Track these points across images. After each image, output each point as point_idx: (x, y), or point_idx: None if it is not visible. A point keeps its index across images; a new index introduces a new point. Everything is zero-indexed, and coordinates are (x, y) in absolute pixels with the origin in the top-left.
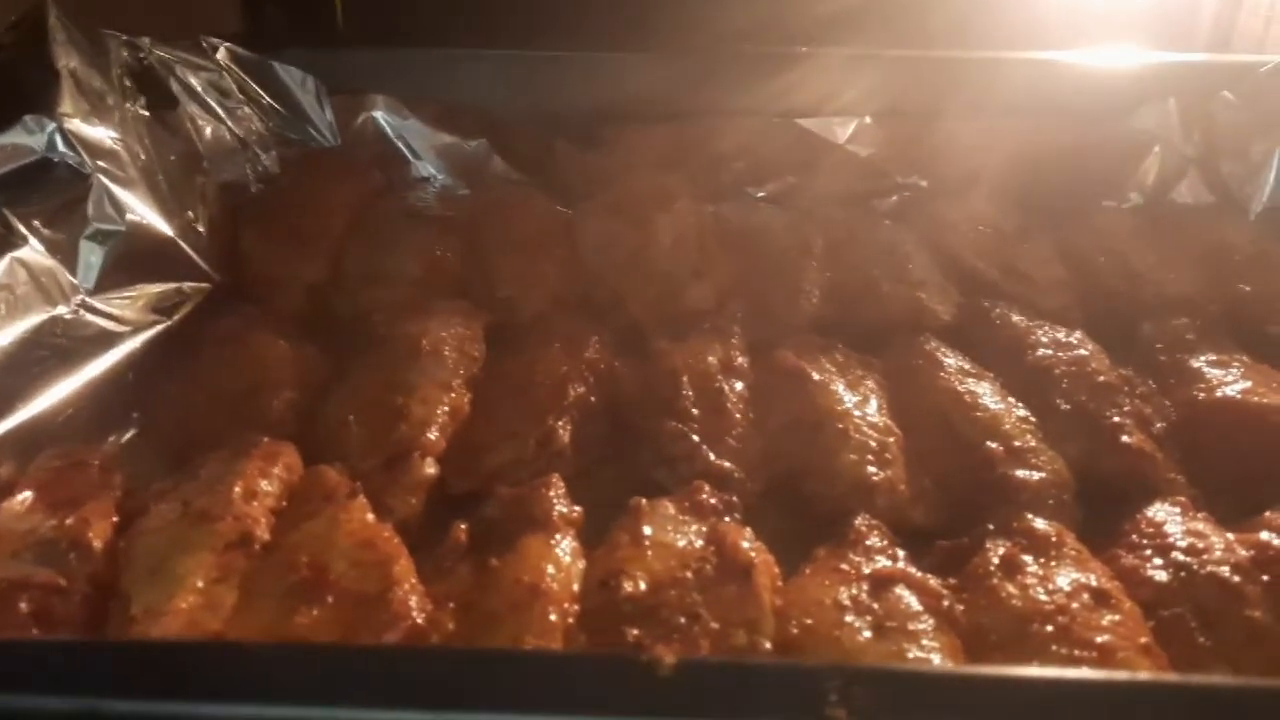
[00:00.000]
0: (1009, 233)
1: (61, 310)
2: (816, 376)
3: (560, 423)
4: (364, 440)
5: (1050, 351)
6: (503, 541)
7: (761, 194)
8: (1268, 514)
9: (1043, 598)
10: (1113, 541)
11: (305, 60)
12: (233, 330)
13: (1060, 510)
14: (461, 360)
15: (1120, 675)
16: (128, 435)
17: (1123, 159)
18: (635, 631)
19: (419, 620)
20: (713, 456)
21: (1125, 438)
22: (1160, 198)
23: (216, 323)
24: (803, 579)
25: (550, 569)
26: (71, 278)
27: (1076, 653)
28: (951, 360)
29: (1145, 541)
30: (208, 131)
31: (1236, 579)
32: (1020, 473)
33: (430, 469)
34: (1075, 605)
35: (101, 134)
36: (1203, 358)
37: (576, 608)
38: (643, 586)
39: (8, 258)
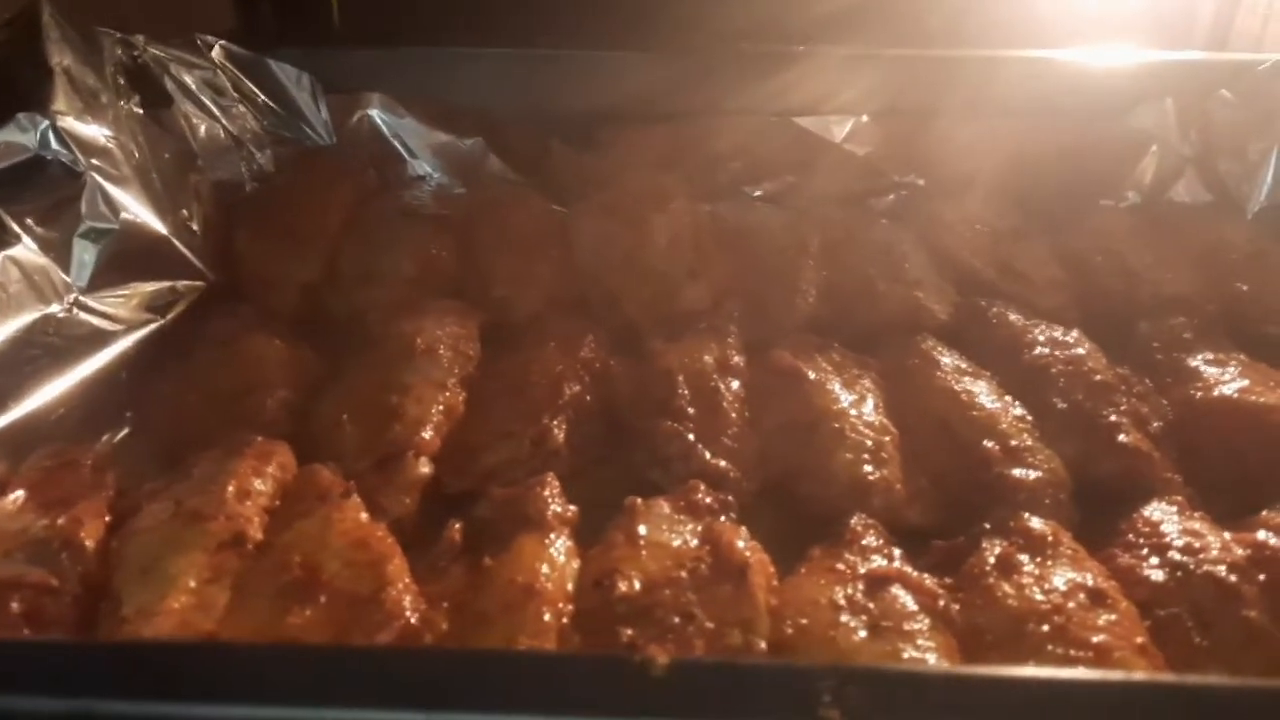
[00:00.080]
0: (1006, 232)
1: (54, 309)
2: (812, 376)
3: (555, 422)
4: (358, 440)
5: (1047, 351)
6: (497, 541)
7: (758, 193)
8: (1264, 513)
9: (1039, 597)
10: (1109, 541)
11: (300, 59)
12: (227, 329)
13: (1057, 509)
14: (456, 359)
15: (1116, 675)
16: (121, 435)
17: (1120, 158)
18: (629, 631)
19: (412, 620)
20: (708, 456)
21: (1122, 437)
22: (1158, 197)
23: (210, 322)
24: (798, 579)
25: (544, 569)
26: (65, 276)
27: (1072, 652)
28: (948, 359)
29: (1142, 541)
30: (202, 130)
31: (1233, 578)
32: (1017, 472)
33: (425, 468)
34: (1071, 605)
35: (95, 132)
36: (1200, 357)
37: (571, 608)
38: (637, 586)
39: (0, 256)
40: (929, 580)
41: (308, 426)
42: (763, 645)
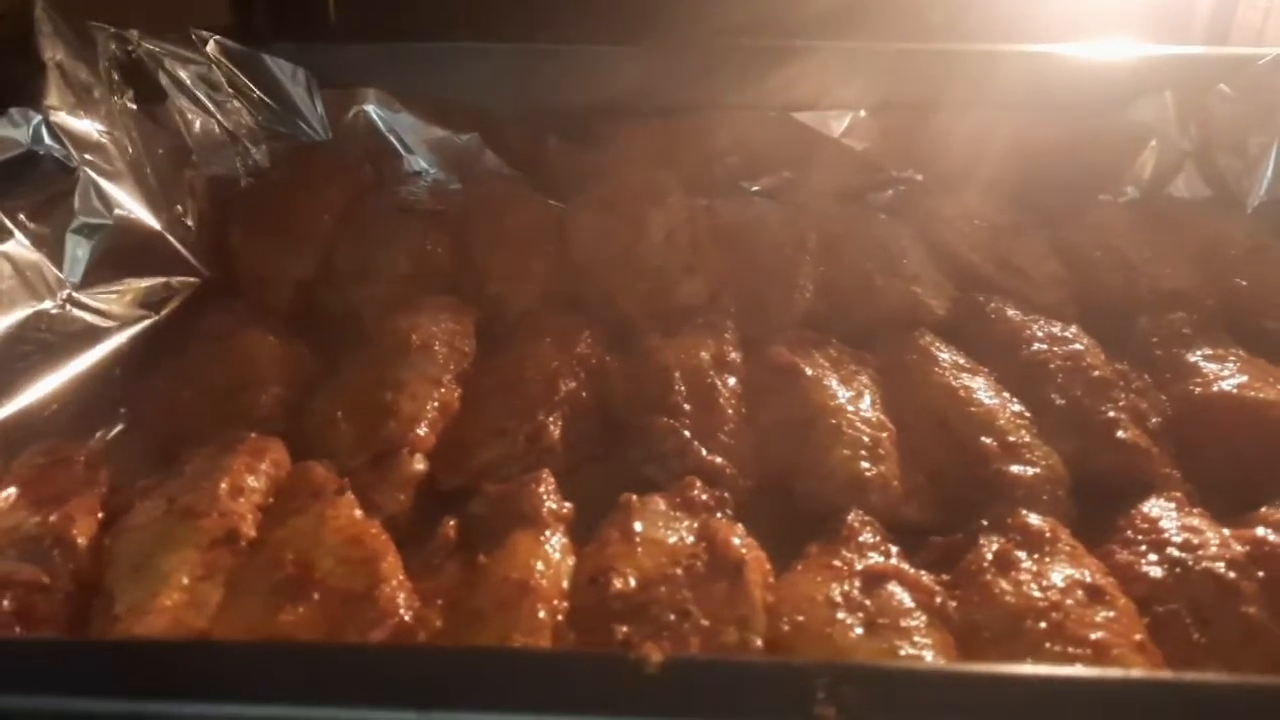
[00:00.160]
0: (1004, 227)
1: (47, 305)
2: (809, 372)
3: (551, 419)
4: (352, 436)
5: (1045, 346)
6: (492, 538)
7: (756, 188)
8: (1263, 510)
9: (1036, 594)
10: (1107, 537)
11: (295, 54)
12: (221, 326)
13: (1055, 506)
14: (451, 356)
15: (1114, 673)
16: (114, 431)
17: (1119, 152)
18: (624, 629)
19: (406, 617)
20: (704, 452)
21: (1120, 433)
22: (1157, 191)
23: (204, 318)
24: (794, 575)
25: (539, 566)
26: (57, 272)
27: (1070, 650)
28: (946, 355)
29: (1140, 537)
30: (197, 125)
31: (1232, 575)
32: (1015, 468)
33: (419, 465)
34: (1069, 602)
35: (88, 127)
36: (1199, 352)
37: (566, 605)
38: (632, 583)
39: None
40: (926, 577)
41: (302, 423)
42: (759, 642)
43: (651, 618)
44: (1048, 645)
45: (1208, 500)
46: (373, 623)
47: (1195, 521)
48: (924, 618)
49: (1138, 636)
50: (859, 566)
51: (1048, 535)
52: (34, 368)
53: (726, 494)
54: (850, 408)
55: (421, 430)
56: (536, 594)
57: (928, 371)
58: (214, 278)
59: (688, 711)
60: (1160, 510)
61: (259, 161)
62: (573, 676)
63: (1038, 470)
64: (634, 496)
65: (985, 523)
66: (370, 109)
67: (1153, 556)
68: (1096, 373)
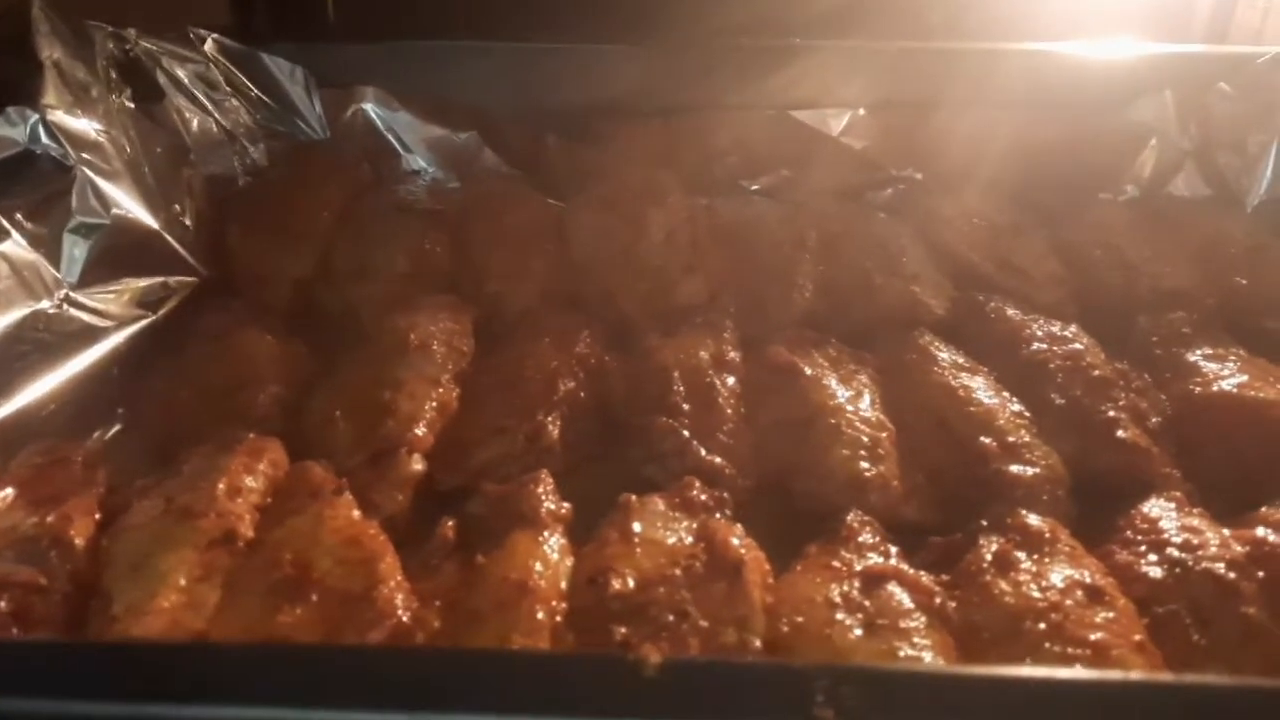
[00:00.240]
0: (1004, 226)
1: (44, 305)
2: (809, 371)
3: (549, 418)
4: (350, 436)
5: (1045, 346)
6: (490, 538)
7: (755, 187)
8: (1264, 510)
9: (1036, 595)
10: (1107, 537)
11: (294, 53)
12: (219, 325)
13: (1054, 506)
14: (450, 355)
15: (1113, 675)
16: (112, 431)
17: (1119, 151)
18: (623, 630)
19: (404, 618)
20: (704, 452)
21: (1120, 433)
22: (1157, 190)
23: (202, 318)
24: (794, 576)
25: (538, 566)
26: (55, 272)
27: (1070, 650)
28: (945, 355)
29: (1140, 538)
30: (195, 124)
31: (1232, 575)
32: (1014, 468)
33: (417, 465)
34: (1069, 602)
35: (85, 126)
36: (1199, 352)
37: (564, 605)
38: (631, 584)
39: None
40: (925, 578)
41: (300, 423)
42: (758, 643)
43: (650, 618)
44: (1047, 646)
45: (1208, 500)
46: (371, 624)
47: (1195, 522)
48: (923, 618)
49: (1137, 637)
50: (858, 567)
51: (1047, 535)
52: (31, 368)
53: (725, 494)
54: (850, 407)
55: (420, 430)
56: (535, 595)
57: (927, 371)
58: (212, 277)
59: (686, 714)
60: (1160, 510)
61: (257, 160)
62: (570, 678)
63: (1037, 470)
64: (633, 497)
65: (985, 523)
66: (369, 108)
67: (1152, 557)
68: (1096, 372)
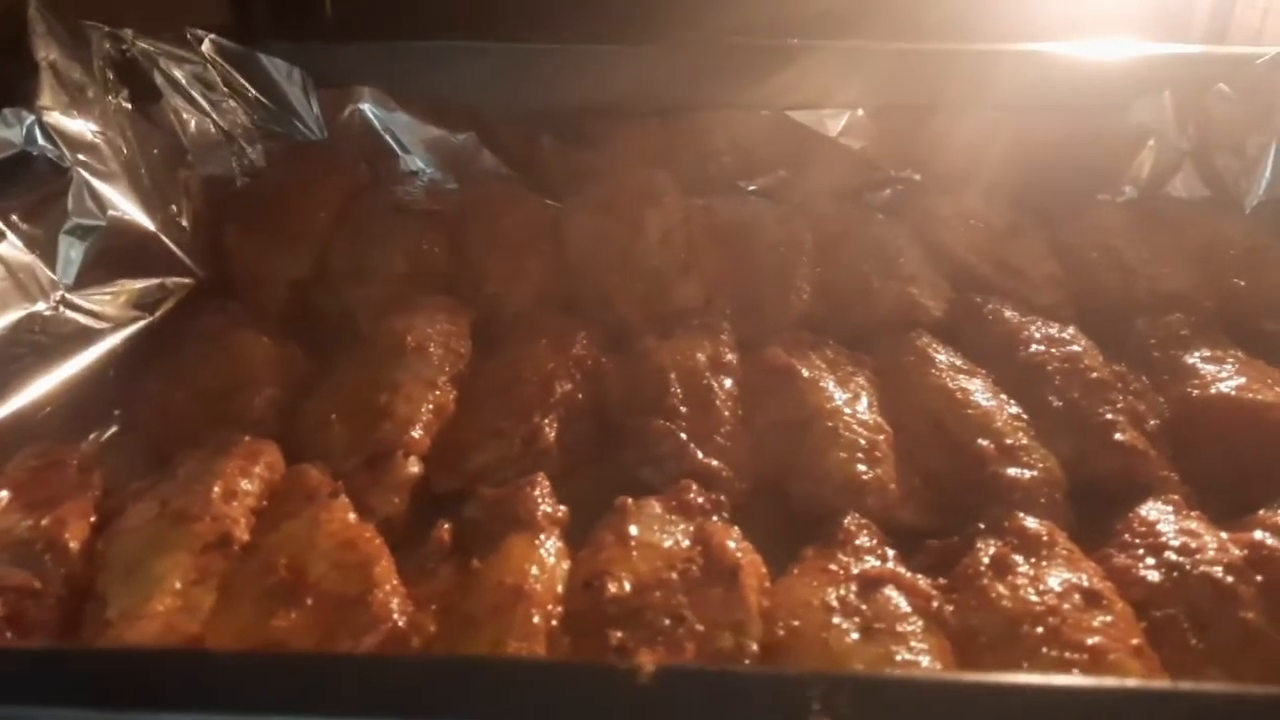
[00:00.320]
0: (1002, 227)
1: (40, 307)
2: (806, 373)
3: (546, 421)
4: (347, 438)
5: (1043, 348)
6: (486, 542)
7: (752, 188)
8: (1261, 513)
9: (1033, 598)
10: (1105, 541)
11: (291, 53)
12: (215, 327)
13: (1052, 509)
14: (447, 357)
15: (1110, 682)
16: (109, 433)
17: (1117, 152)
18: (619, 634)
19: (399, 623)
20: (700, 455)
21: (1118, 435)
22: (1155, 191)
23: (199, 319)
24: (790, 579)
25: (533, 570)
26: (50, 273)
27: (1067, 654)
28: (943, 357)
29: (1138, 541)
30: (192, 124)
31: (1230, 579)
32: (1012, 471)
33: (414, 468)
34: (1066, 606)
35: (82, 127)
36: (1197, 354)
37: (560, 609)
38: (627, 588)
39: None
40: (922, 581)
41: (296, 425)
42: (754, 647)
43: (646, 623)
44: (1044, 650)
45: (1205, 502)
46: (366, 628)
47: (1193, 525)
48: (920, 622)
49: (1135, 641)
50: (855, 570)
51: (1045, 538)
52: (27, 370)
53: (722, 497)
54: (847, 410)
55: (416, 433)
56: (530, 599)
57: (924, 373)
58: (208, 278)
59: None
60: (1158, 513)
61: (254, 161)
62: (564, 686)
63: (1035, 473)
64: (629, 500)
65: (982, 526)
66: (366, 108)
67: (1150, 560)
68: (1094, 374)
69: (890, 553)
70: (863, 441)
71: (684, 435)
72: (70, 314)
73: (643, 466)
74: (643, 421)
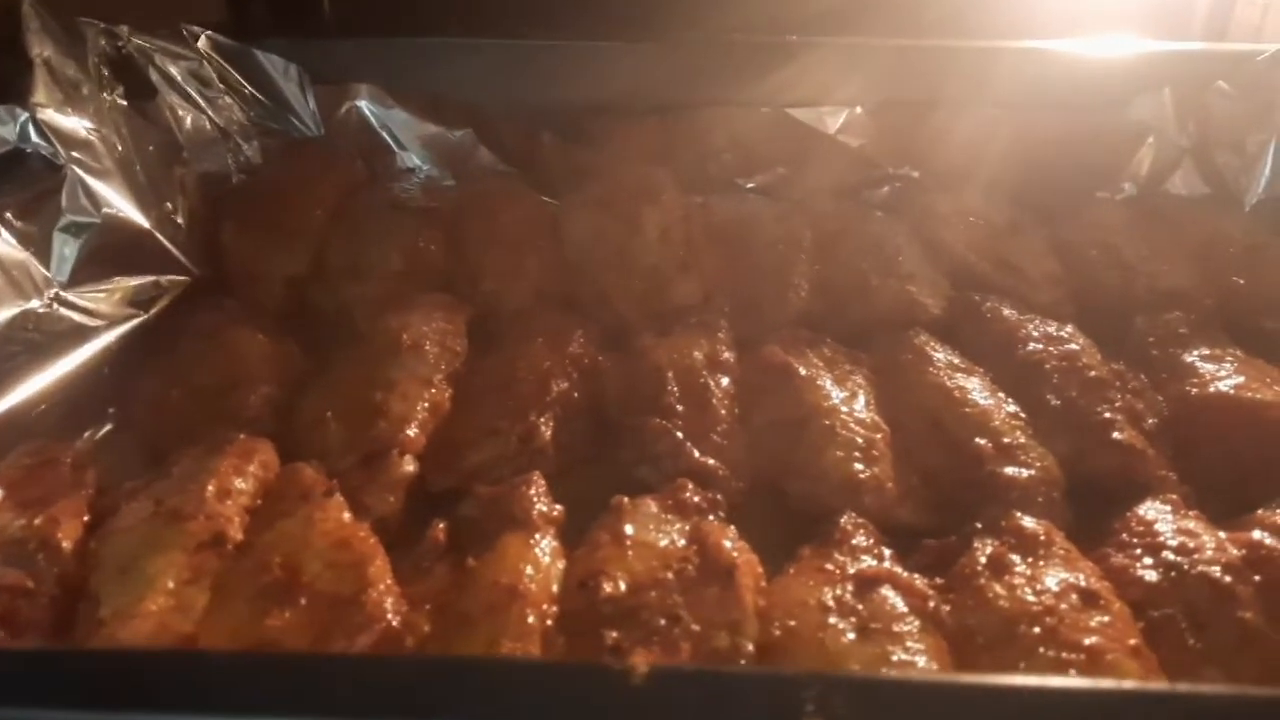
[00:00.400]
0: (1001, 225)
1: (34, 304)
2: (803, 372)
3: (542, 419)
4: (342, 437)
5: (1041, 346)
6: (481, 541)
7: (751, 186)
8: (1260, 512)
9: (1030, 598)
10: (1103, 540)
11: (287, 49)
12: (210, 325)
13: (1050, 508)
14: (443, 355)
15: (1108, 683)
16: (103, 431)
17: (1117, 149)
18: (614, 634)
19: (394, 622)
20: (697, 454)
21: (1116, 434)
22: (1154, 189)
23: (194, 317)
24: (787, 579)
25: (529, 570)
26: (45, 271)
27: (1064, 655)
28: (941, 355)
29: (1135, 540)
30: (188, 121)
31: (1228, 579)
32: (1009, 470)
33: (409, 466)
34: (1064, 606)
35: (76, 124)
36: (1196, 352)
37: (555, 609)
38: (623, 587)
39: None
40: (919, 581)
41: (291, 423)
42: (750, 648)
43: (642, 622)
44: (1041, 650)
45: (1204, 501)
46: (360, 627)
47: (1191, 524)
48: (917, 622)
49: (1132, 641)
50: (852, 570)
51: (1042, 538)
52: (21, 368)
53: (719, 496)
54: (844, 408)
55: (412, 431)
56: (526, 598)
57: (922, 371)
58: (204, 276)
59: None
60: (1156, 513)
61: (250, 158)
62: (558, 687)
63: (1032, 472)
64: (625, 499)
65: (979, 525)
66: (363, 105)
67: (1148, 560)
68: (1093, 373)
69: (887, 552)
70: (860, 440)
71: (680, 434)
72: (64, 311)
73: (639, 465)
74: (639, 420)
